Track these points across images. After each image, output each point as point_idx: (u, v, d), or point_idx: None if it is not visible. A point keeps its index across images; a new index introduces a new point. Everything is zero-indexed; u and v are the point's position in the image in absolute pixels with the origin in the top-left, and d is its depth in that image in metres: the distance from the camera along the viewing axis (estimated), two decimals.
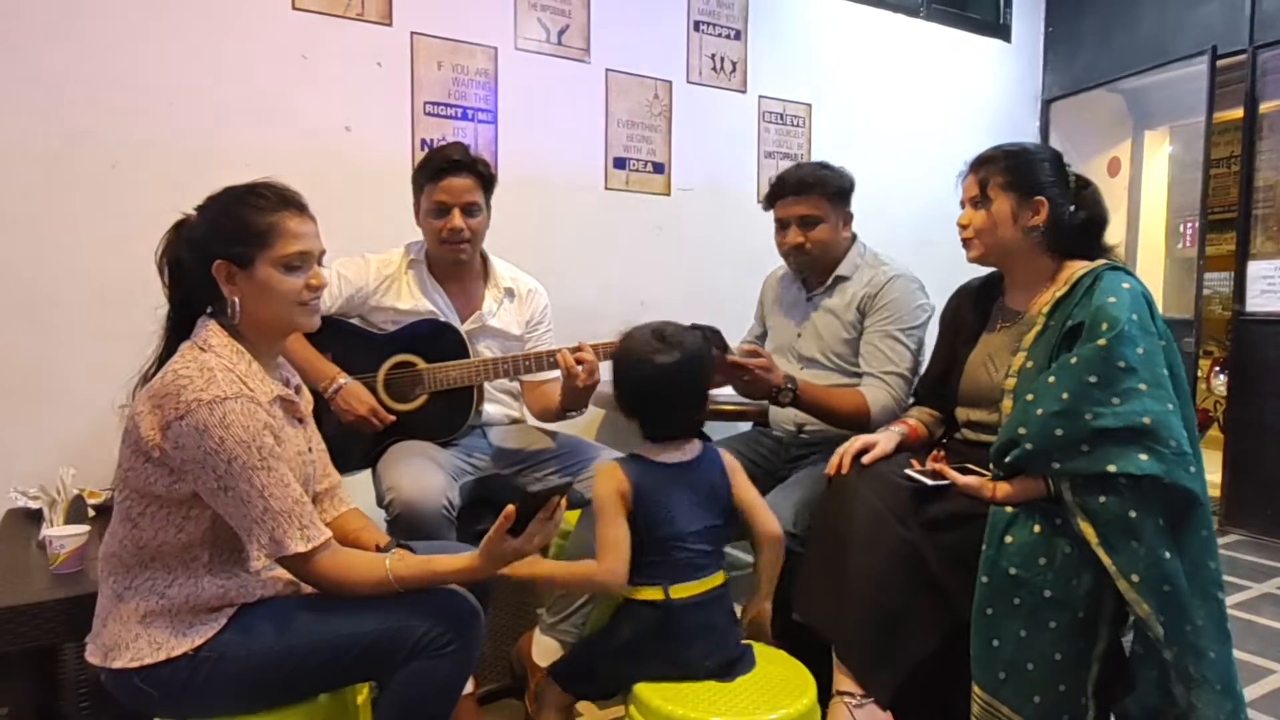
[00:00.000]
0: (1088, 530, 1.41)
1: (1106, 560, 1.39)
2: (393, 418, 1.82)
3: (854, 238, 2.08)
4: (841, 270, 2.04)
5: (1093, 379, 1.41)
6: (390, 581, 1.20)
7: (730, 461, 1.55)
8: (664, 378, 1.44)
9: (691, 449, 1.51)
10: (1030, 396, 1.48)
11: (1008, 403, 1.57)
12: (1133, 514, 1.38)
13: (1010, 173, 1.63)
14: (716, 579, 1.46)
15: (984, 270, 1.79)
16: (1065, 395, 1.43)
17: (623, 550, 1.41)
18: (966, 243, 1.69)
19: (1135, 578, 1.37)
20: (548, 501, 1.21)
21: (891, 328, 1.94)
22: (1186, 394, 1.48)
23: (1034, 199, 1.61)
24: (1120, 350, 1.41)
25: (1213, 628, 1.43)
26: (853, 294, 2.01)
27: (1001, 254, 1.67)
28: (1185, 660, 1.39)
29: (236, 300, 1.22)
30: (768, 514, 1.55)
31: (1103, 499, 1.39)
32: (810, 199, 1.99)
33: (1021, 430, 1.46)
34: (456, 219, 1.88)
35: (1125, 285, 1.50)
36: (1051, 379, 1.46)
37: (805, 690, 1.40)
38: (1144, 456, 1.37)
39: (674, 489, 1.46)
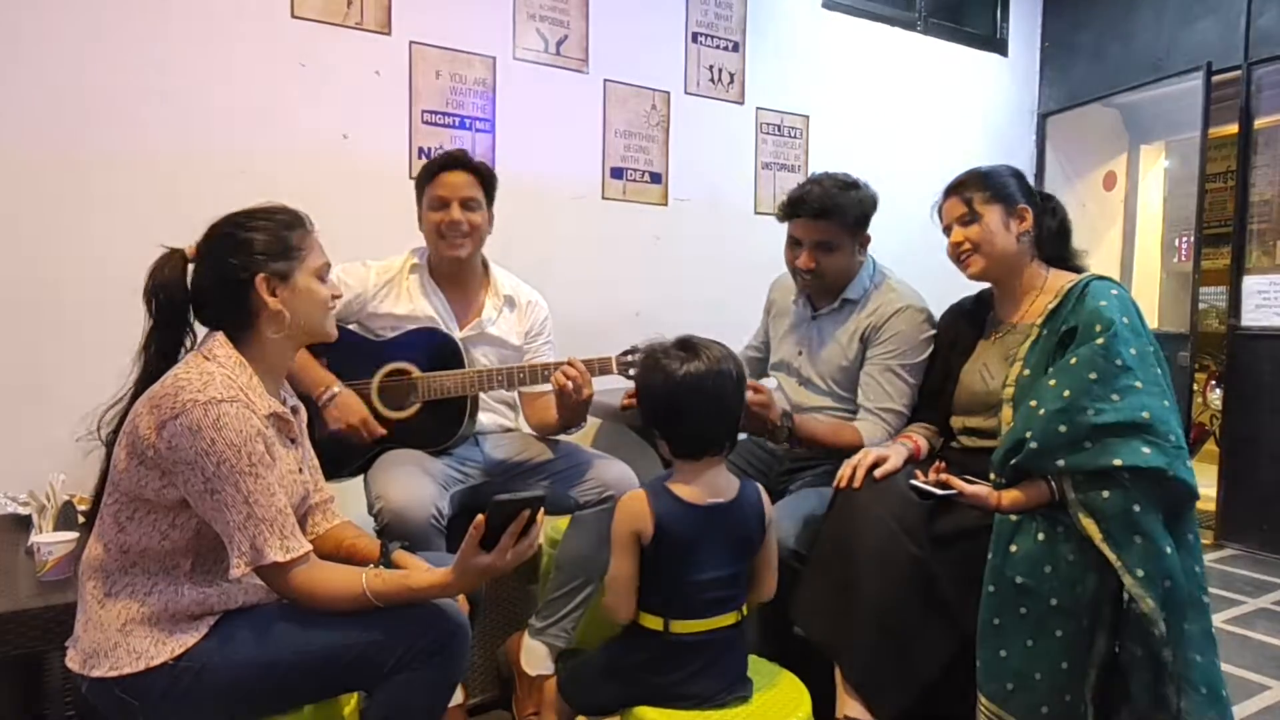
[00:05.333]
0: (1091, 528, 1.42)
1: (1111, 556, 1.40)
2: (383, 430, 1.82)
3: (867, 256, 2.01)
4: (849, 294, 1.97)
5: (1093, 376, 1.46)
6: (367, 598, 1.19)
7: (769, 511, 1.46)
8: (692, 389, 1.34)
9: (729, 486, 1.41)
10: (1033, 402, 1.51)
11: (1007, 411, 1.61)
12: (1136, 508, 1.41)
13: (990, 187, 1.71)
14: (727, 619, 1.39)
15: (971, 291, 1.87)
16: (1066, 393, 1.47)
17: (625, 590, 1.37)
18: (965, 258, 1.72)
19: (1140, 572, 1.39)
20: (518, 513, 1.18)
21: (893, 362, 1.88)
22: (1174, 398, 1.53)
23: (1018, 207, 1.70)
24: (1116, 348, 1.47)
25: (1198, 632, 1.45)
26: (857, 322, 1.94)
27: (1000, 264, 1.71)
28: (1178, 661, 1.41)
29: (285, 312, 1.26)
30: (772, 580, 1.49)
31: (1106, 494, 1.42)
32: (828, 225, 1.89)
33: (1028, 434, 1.49)
34: (455, 211, 1.89)
35: (1113, 292, 1.58)
36: (1052, 381, 1.51)
37: (800, 704, 1.39)
38: (1147, 450, 1.42)
39: (703, 535, 1.36)
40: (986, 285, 1.82)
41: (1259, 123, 3.44)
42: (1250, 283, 3.43)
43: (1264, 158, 3.44)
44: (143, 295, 1.28)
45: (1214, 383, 4.56)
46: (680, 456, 1.40)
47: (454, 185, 1.90)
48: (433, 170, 1.93)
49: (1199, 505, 3.54)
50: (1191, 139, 3.73)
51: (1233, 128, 3.51)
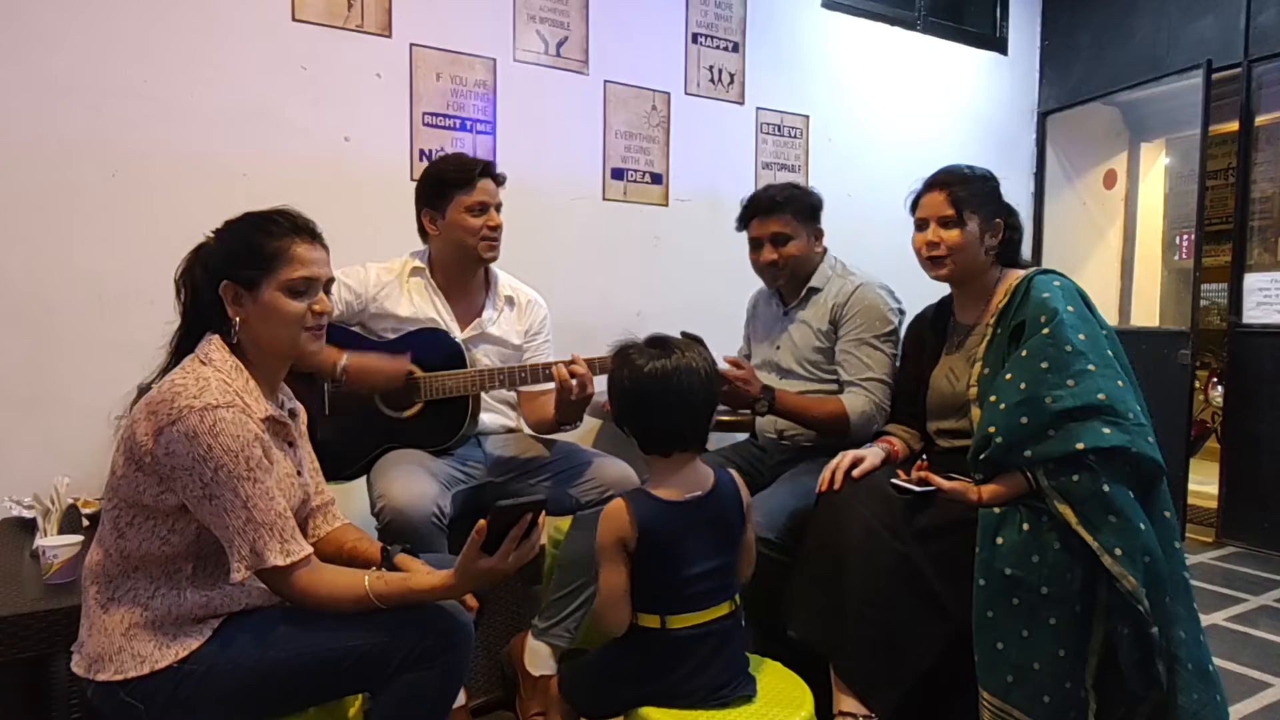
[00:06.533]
0: (1066, 513, 1.45)
1: (1089, 539, 1.42)
2: (408, 367, 1.84)
3: (825, 252, 2.14)
4: (814, 283, 2.10)
5: (1044, 365, 1.50)
6: (369, 600, 1.19)
7: (745, 496, 1.47)
8: (657, 384, 1.35)
9: (705, 479, 1.42)
10: (994, 398, 1.55)
11: (976, 411, 1.63)
12: (1106, 488, 1.43)
13: (979, 196, 1.72)
14: (722, 609, 1.39)
15: (934, 296, 1.92)
16: (1023, 385, 1.50)
17: (619, 600, 1.35)
18: (937, 261, 1.73)
19: (1118, 551, 1.41)
20: (520, 518, 1.19)
21: (865, 334, 1.99)
22: (1133, 378, 1.56)
23: (995, 221, 1.72)
24: (1064, 335, 1.51)
25: (1182, 609, 1.48)
26: (824, 304, 2.06)
27: (968, 272, 1.74)
28: (1164, 636, 1.42)
29: (237, 321, 1.24)
30: (751, 559, 1.51)
31: (1076, 477, 1.45)
32: (781, 217, 2.05)
33: (991, 429, 1.52)
34: (495, 216, 1.95)
35: (1056, 283, 1.61)
36: (1009, 375, 1.54)
37: (803, 703, 1.40)
38: (1107, 430, 1.44)
39: (687, 530, 1.36)
40: (947, 291, 1.87)
41: (1259, 120, 3.44)
42: (1251, 280, 3.44)
43: (1264, 155, 3.44)
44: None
45: (1215, 380, 4.55)
46: (650, 453, 1.41)
47: (491, 190, 1.96)
48: (470, 176, 1.93)
49: (1201, 503, 3.55)
50: (1192, 136, 3.73)
51: (1233, 125, 3.51)
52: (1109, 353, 1.53)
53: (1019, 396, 1.50)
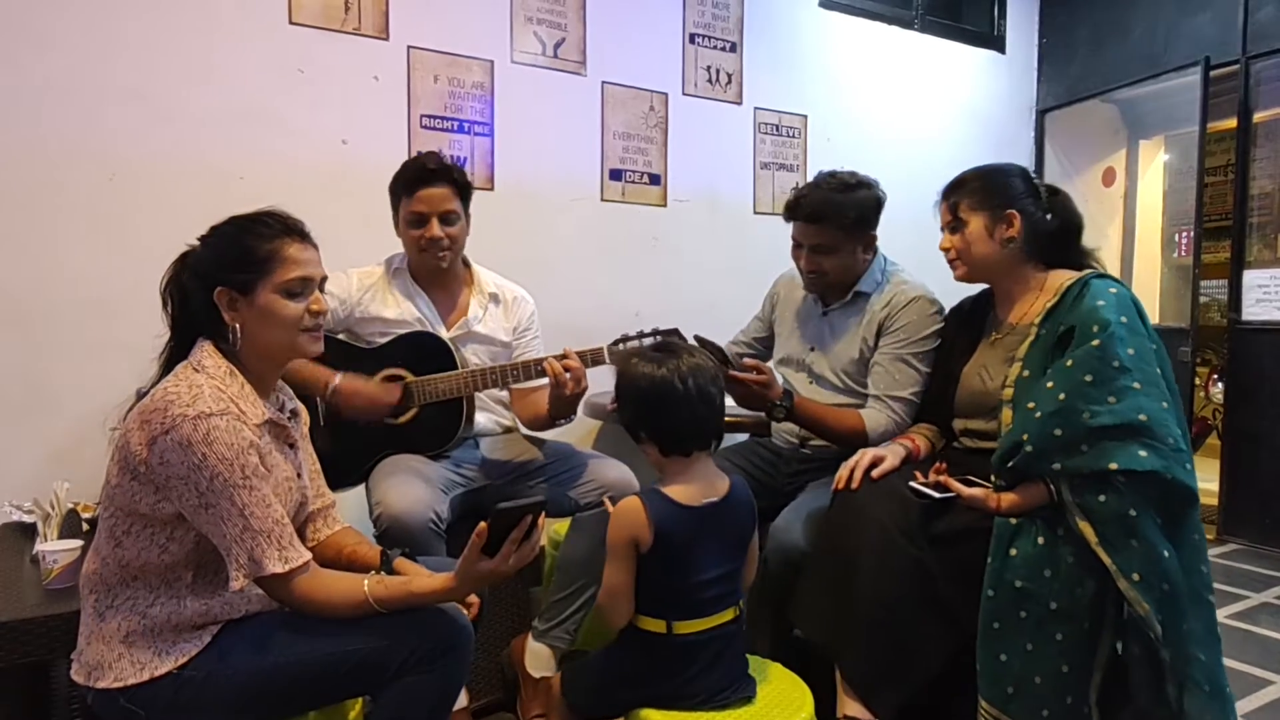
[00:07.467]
0: (1087, 530, 1.41)
1: (1106, 559, 1.39)
2: (396, 398, 1.81)
3: (874, 254, 2.00)
4: (862, 286, 1.97)
5: (1088, 378, 1.44)
6: (369, 604, 1.20)
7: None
8: (676, 388, 1.36)
9: (720, 484, 1.43)
10: (1031, 404, 1.49)
11: (1007, 413, 1.59)
12: (1132, 512, 1.39)
13: (978, 192, 1.69)
14: (726, 615, 1.41)
15: (973, 289, 1.86)
16: (1062, 396, 1.45)
17: (624, 598, 1.37)
18: (952, 264, 1.75)
19: (1136, 576, 1.37)
20: (520, 520, 1.20)
21: (904, 350, 1.89)
22: (1177, 395, 1.50)
23: (1005, 213, 1.67)
24: (1113, 349, 1.44)
25: (1202, 630, 1.44)
26: (871, 313, 1.95)
27: (985, 269, 1.72)
28: (1178, 661, 1.40)
29: (238, 326, 1.24)
30: (753, 568, 1.52)
31: (1102, 497, 1.40)
32: (822, 229, 1.90)
33: (1024, 436, 1.47)
34: (434, 228, 1.87)
35: (1112, 290, 1.54)
36: (1049, 384, 1.48)
37: (802, 705, 1.40)
38: (1144, 453, 1.39)
39: (701, 535, 1.37)
40: (984, 285, 1.82)
41: (1258, 116, 3.44)
42: (1250, 276, 3.43)
43: (1263, 151, 3.44)
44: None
45: (1215, 377, 4.55)
46: (669, 454, 1.41)
47: (432, 200, 1.86)
48: (410, 184, 1.88)
49: (1201, 500, 3.51)
50: (1190, 133, 3.72)
51: (1231, 122, 3.51)
52: (1156, 370, 1.47)
53: (1055, 407, 1.44)
